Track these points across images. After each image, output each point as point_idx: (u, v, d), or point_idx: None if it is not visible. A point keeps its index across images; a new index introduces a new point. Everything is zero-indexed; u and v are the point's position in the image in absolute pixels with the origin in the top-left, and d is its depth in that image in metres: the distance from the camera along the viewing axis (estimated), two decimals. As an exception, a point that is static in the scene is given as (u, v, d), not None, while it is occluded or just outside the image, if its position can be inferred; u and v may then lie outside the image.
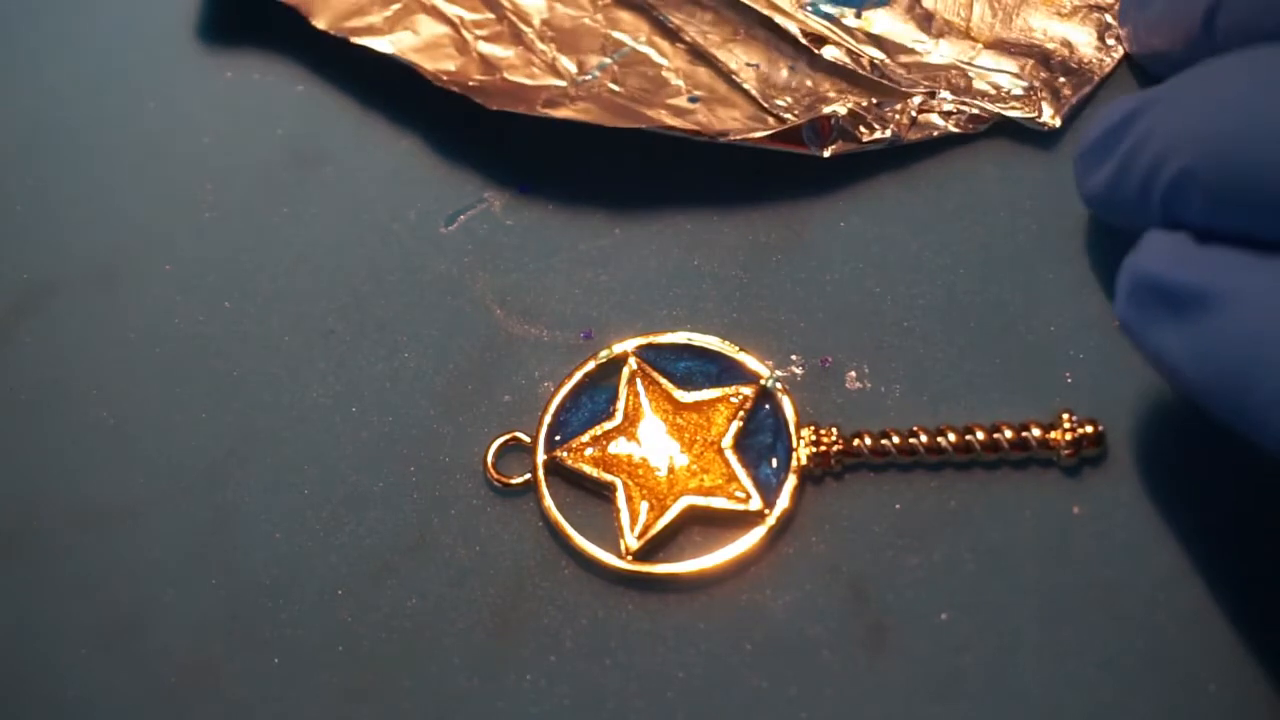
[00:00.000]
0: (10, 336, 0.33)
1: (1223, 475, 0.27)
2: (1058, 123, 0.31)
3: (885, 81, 0.32)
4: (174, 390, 0.31)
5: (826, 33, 0.33)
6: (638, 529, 0.28)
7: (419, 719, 0.27)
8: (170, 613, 0.29)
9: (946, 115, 0.32)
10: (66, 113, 0.36)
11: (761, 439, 0.29)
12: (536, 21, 0.34)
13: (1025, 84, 0.32)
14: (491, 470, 0.29)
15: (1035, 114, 0.31)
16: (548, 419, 0.30)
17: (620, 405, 0.30)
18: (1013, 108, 0.31)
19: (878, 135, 0.31)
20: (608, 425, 0.29)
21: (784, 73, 0.33)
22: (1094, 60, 0.32)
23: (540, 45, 0.34)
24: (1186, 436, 0.28)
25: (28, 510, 0.30)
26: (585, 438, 0.29)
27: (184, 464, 0.30)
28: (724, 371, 0.30)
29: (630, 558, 0.28)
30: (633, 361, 0.30)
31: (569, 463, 0.29)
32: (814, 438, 0.28)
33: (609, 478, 0.29)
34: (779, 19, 0.33)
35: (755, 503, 0.28)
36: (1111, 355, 0.29)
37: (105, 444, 0.31)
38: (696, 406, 0.29)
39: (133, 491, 0.30)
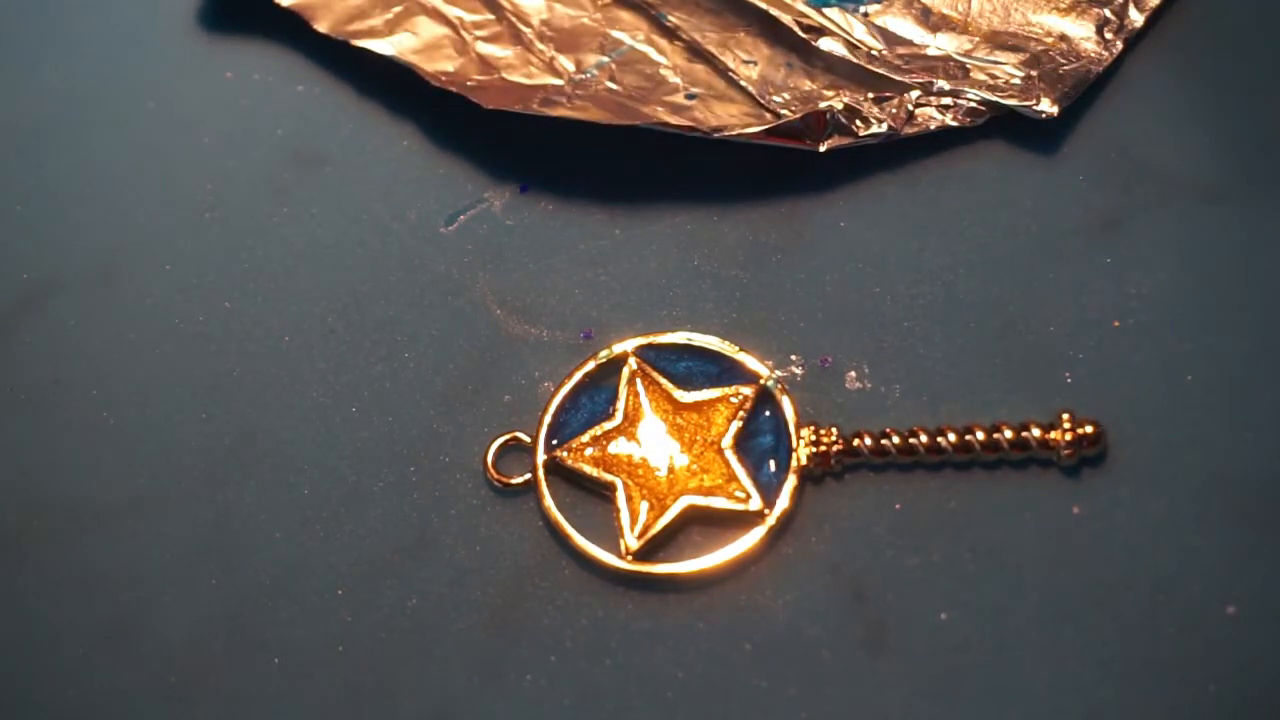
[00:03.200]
0: (10, 336, 0.33)
1: (1222, 474, 0.27)
2: (1055, 110, 0.31)
3: (881, 72, 0.32)
4: (174, 390, 0.31)
5: (825, 24, 0.33)
6: (638, 529, 0.28)
7: (419, 719, 0.27)
8: (170, 613, 0.29)
9: (944, 109, 0.32)
10: (66, 113, 0.36)
11: (761, 439, 0.29)
12: (536, 21, 0.34)
13: (1023, 74, 0.32)
14: (491, 470, 0.29)
15: (1033, 103, 0.31)
16: (548, 419, 0.30)
17: (620, 405, 0.30)
18: (1009, 96, 0.31)
19: (874, 130, 0.31)
20: (608, 425, 0.29)
21: (781, 70, 0.33)
22: (1093, 54, 0.32)
23: (539, 45, 0.34)
24: (1186, 436, 0.28)
25: (28, 510, 0.30)
26: (585, 438, 0.29)
27: (184, 464, 0.30)
28: (724, 371, 0.30)
29: (630, 558, 0.28)
30: (633, 361, 0.30)
31: (569, 463, 0.29)
32: (814, 438, 0.28)
33: (609, 478, 0.29)
34: (776, 12, 0.33)
35: (755, 503, 0.28)
36: (1111, 355, 0.29)
37: (106, 443, 0.31)
38: (696, 406, 0.29)
39: (133, 491, 0.30)
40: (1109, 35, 0.32)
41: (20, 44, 0.37)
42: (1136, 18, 0.32)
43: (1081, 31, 0.32)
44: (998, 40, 0.33)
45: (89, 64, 0.37)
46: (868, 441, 0.28)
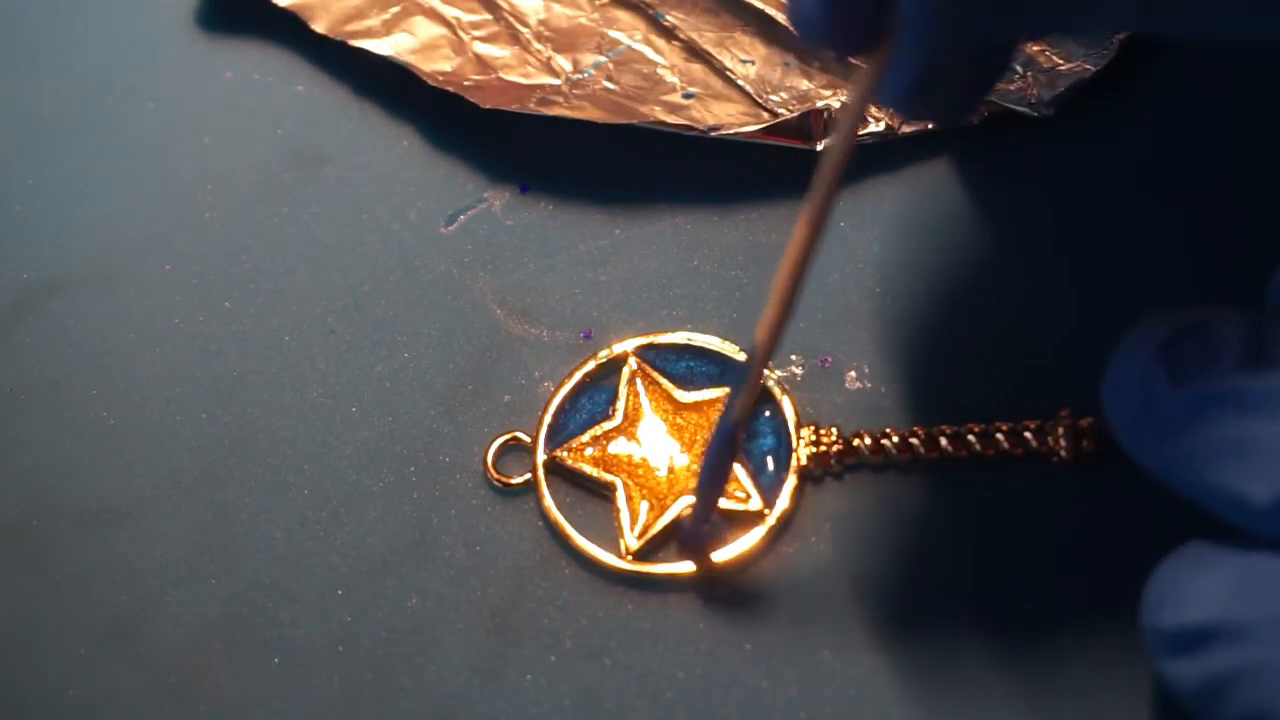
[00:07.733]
0: (10, 336, 0.33)
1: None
2: (1051, 111, 0.31)
3: None
4: (174, 390, 0.31)
5: None
6: (638, 529, 0.28)
7: (419, 719, 0.27)
8: (170, 613, 0.29)
9: None
10: (66, 112, 0.36)
11: (762, 439, 0.29)
12: (533, 21, 0.34)
13: (1019, 73, 0.32)
14: (491, 470, 0.29)
15: (1029, 103, 0.31)
16: (548, 419, 0.30)
17: (620, 405, 0.30)
18: (1006, 96, 0.31)
19: (871, 129, 0.31)
20: (608, 425, 0.29)
21: (779, 69, 0.33)
22: (1089, 54, 0.32)
23: (536, 45, 0.34)
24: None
25: (28, 510, 0.30)
26: (585, 437, 0.29)
27: (184, 464, 0.30)
28: (724, 371, 0.30)
29: (630, 558, 0.28)
30: (633, 361, 0.30)
31: (569, 463, 0.29)
32: (814, 438, 0.28)
33: (609, 478, 0.29)
34: (773, 11, 0.33)
35: (755, 503, 0.28)
36: (1109, 353, 0.29)
37: (105, 444, 0.31)
38: (696, 406, 0.29)
39: (133, 491, 0.30)
40: (1105, 35, 0.32)
41: (20, 44, 0.37)
42: (1136, 18, 0.33)
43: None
44: None
45: (89, 64, 0.37)
46: (868, 441, 0.28)
